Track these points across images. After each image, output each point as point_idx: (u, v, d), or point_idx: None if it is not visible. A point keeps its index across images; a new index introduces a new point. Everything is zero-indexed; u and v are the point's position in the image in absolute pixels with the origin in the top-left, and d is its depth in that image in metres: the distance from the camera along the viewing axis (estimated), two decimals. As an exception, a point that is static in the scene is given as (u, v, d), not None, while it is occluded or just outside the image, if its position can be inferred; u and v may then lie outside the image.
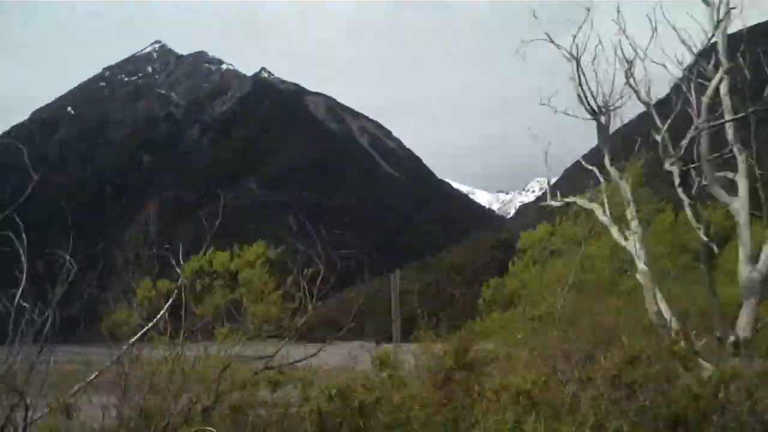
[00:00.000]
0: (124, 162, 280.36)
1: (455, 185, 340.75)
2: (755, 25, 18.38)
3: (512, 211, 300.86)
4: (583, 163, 12.76)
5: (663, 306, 9.55)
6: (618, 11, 10.64)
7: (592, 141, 11.50)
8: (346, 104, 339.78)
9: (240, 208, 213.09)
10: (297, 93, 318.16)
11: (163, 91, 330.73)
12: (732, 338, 8.72)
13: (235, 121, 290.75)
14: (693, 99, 10.25)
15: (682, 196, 10.11)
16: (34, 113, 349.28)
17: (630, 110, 11.11)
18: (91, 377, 6.14)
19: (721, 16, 9.78)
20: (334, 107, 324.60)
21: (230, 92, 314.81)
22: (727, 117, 9.68)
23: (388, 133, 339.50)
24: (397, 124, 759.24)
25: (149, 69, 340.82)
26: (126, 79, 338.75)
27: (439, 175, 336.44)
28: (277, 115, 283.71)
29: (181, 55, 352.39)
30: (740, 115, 9.64)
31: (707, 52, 10.12)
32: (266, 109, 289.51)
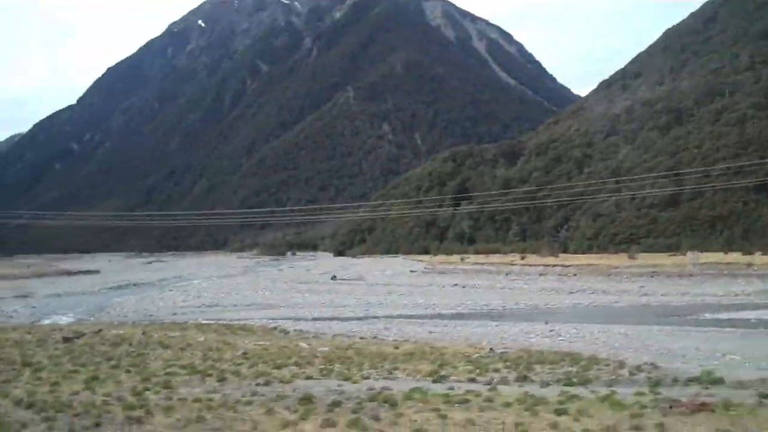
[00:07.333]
0: (244, 72, 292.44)
1: (575, 92, 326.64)
2: None
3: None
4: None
5: None
6: None
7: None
8: (467, 9, 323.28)
9: (337, 117, 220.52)
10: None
11: (286, 0, 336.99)
12: None
13: (345, 29, 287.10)
14: None
15: None
16: (169, 26, 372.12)
17: None
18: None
19: None
20: (452, 12, 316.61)
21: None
22: None
23: (509, 38, 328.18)
24: (525, 29, 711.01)
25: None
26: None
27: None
28: (392, 20, 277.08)
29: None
30: None
31: None
32: (380, 14, 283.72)
